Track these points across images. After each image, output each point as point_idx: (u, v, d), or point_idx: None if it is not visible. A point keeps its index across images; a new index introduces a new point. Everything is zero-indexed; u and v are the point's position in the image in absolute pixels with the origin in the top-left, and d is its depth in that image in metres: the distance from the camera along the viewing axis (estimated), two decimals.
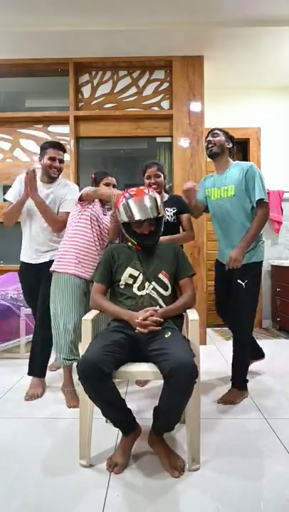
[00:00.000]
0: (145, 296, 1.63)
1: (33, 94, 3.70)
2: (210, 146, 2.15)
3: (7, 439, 1.68)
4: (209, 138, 2.17)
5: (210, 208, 2.25)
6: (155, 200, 1.69)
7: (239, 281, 2.04)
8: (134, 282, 1.67)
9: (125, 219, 1.69)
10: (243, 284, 2.03)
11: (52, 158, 2.29)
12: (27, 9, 2.75)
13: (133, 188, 1.74)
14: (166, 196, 2.41)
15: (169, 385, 1.32)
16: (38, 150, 3.44)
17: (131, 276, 1.68)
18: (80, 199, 2.09)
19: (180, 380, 1.28)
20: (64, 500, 1.27)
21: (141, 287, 1.66)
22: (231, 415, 1.90)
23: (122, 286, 1.68)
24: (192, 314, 1.56)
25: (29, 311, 2.91)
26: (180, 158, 3.32)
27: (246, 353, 2.15)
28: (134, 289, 1.66)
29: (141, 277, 1.67)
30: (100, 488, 1.33)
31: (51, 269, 2.09)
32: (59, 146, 2.33)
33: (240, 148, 4.22)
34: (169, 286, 1.70)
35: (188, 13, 2.80)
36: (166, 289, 1.69)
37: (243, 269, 2.02)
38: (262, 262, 2.12)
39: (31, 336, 2.94)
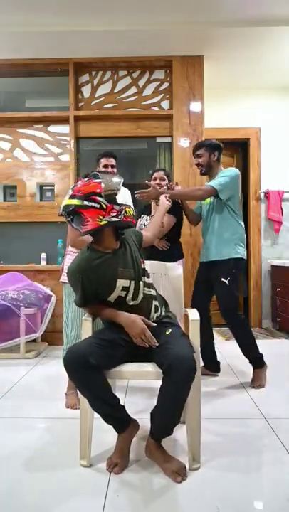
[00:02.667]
0: (140, 302, 1.54)
1: (33, 94, 3.70)
2: (199, 167, 2.40)
3: (7, 439, 1.68)
4: (195, 161, 2.40)
5: (202, 213, 2.49)
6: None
7: (222, 279, 2.22)
8: (127, 294, 1.52)
9: (116, 191, 1.48)
10: (226, 281, 2.21)
11: (105, 166, 2.46)
12: (27, 9, 2.76)
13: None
14: None
15: (168, 379, 1.31)
16: (38, 150, 3.48)
17: (124, 289, 1.51)
18: None
19: (179, 374, 1.28)
20: (64, 500, 1.27)
21: (135, 295, 1.53)
22: (231, 415, 1.90)
23: (113, 300, 1.52)
24: (192, 314, 1.56)
25: (29, 311, 2.93)
26: (180, 158, 3.32)
27: (248, 334, 2.29)
28: (128, 301, 1.53)
29: (132, 284, 1.52)
30: (99, 488, 1.32)
31: (62, 280, 2.13)
32: (110, 154, 2.50)
33: (241, 148, 4.23)
34: (147, 269, 1.64)
35: (188, 13, 2.80)
36: (148, 275, 1.63)
37: (224, 266, 2.24)
38: (242, 259, 2.28)
39: (31, 335, 2.98)
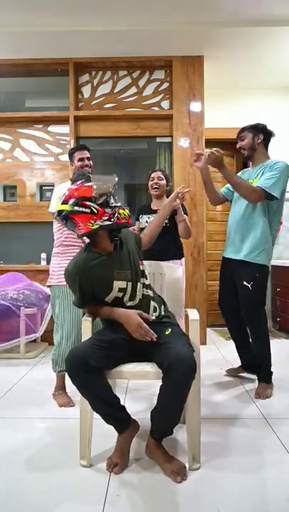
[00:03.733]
0: (138, 303, 1.54)
1: (33, 94, 3.70)
2: (241, 151, 2.21)
3: (7, 439, 1.68)
4: (238, 145, 2.20)
5: (233, 200, 2.29)
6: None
7: (245, 283, 2.07)
8: (124, 295, 1.53)
9: (110, 193, 1.48)
10: (249, 285, 2.06)
11: (81, 159, 2.38)
12: (27, 9, 2.75)
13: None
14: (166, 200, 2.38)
15: (168, 378, 1.31)
16: (38, 150, 3.48)
17: (120, 290, 1.52)
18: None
19: (179, 373, 1.28)
20: (64, 500, 1.27)
21: (132, 296, 1.54)
22: (231, 415, 1.90)
23: (110, 301, 1.54)
24: (193, 314, 1.56)
25: (29, 311, 2.92)
26: (180, 158, 3.32)
27: (266, 348, 2.17)
28: (126, 302, 1.53)
29: (130, 286, 1.53)
30: (99, 488, 1.32)
31: (49, 283, 2.12)
32: (83, 147, 2.43)
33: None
34: (145, 270, 1.63)
35: (188, 13, 2.80)
36: (146, 276, 1.62)
37: (247, 270, 2.07)
38: (266, 267, 2.13)
39: (31, 335, 2.97)
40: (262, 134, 2.17)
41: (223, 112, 3.84)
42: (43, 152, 3.49)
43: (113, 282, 1.50)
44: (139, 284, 1.56)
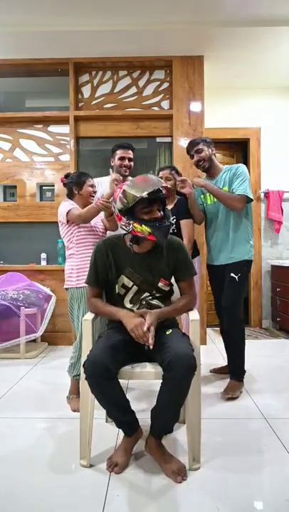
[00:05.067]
0: (138, 308, 1.55)
1: (33, 94, 3.70)
2: (201, 163, 2.26)
3: (7, 439, 1.68)
4: (196, 158, 2.26)
5: (207, 212, 2.36)
6: (157, 177, 1.49)
7: (232, 274, 2.17)
8: (125, 294, 1.56)
9: (127, 205, 1.43)
10: (236, 277, 2.16)
11: (122, 158, 2.38)
12: (27, 9, 2.75)
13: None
14: (176, 198, 2.37)
15: (168, 376, 1.32)
16: (38, 150, 3.48)
17: (124, 286, 1.55)
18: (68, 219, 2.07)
19: (179, 371, 1.29)
20: (64, 500, 1.27)
21: (134, 300, 1.56)
22: (231, 415, 1.90)
23: (116, 294, 1.58)
24: (193, 314, 1.56)
25: (29, 311, 2.93)
26: (180, 158, 3.31)
27: (241, 344, 2.21)
28: (126, 302, 1.56)
29: (134, 289, 1.55)
30: (99, 488, 1.32)
31: (66, 286, 2.11)
32: (128, 146, 2.42)
33: (241, 148, 4.23)
34: (169, 290, 1.62)
35: (188, 13, 2.80)
36: (165, 296, 1.60)
37: (237, 265, 2.18)
38: (252, 261, 2.24)
39: (31, 335, 2.97)
40: (212, 146, 2.28)
41: (223, 112, 3.85)
42: (43, 152, 3.49)
43: (120, 275, 1.54)
44: (146, 293, 1.56)
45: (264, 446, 1.60)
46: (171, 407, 1.37)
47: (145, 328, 1.40)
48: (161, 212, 1.48)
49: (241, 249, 2.20)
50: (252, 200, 2.18)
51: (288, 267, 3.53)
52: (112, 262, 1.55)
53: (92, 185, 2.15)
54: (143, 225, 1.43)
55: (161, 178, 2.29)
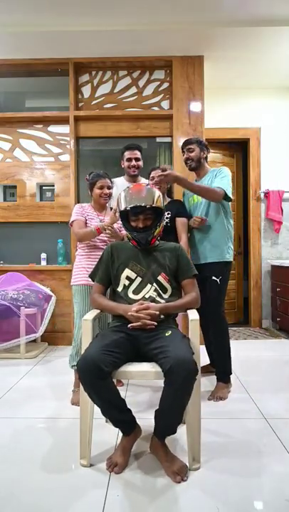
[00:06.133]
0: (140, 300, 1.60)
1: (33, 94, 3.70)
2: (188, 162, 2.33)
3: (7, 439, 1.68)
4: (186, 156, 2.33)
5: (191, 213, 2.39)
6: (152, 192, 1.67)
7: (214, 278, 2.20)
8: (130, 285, 1.65)
9: (121, 208, 1.67)
10: (218, 280, 2.19)
11: (129, 160, 2.47)
12: (27, 9, 2.75)
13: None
14: (167, 200, 2.40)
15: (170, 382, 1.32)
16: (38, 150, 3.48)
17: (128, 278, 1.66)
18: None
19: (180, 377, 1.29)
20: (64, 500, 1.27)
21: (137, 291, 1.64)
22: (231, 415, 1.90)
23: (120, 288, 1.67)
24: (192, 314, 1.56)
25: (29, 311, 2.93)
26: (180, 158, 3.29)
27: (226, 345, 2.21)
28: (130, 293, 1.64)
29: (138, 280, 1.64)
30: (99, 488, 1.32)
31: (72, 283, 2.18)
32: (134, 147, 2.50)
33: (241, 148, 4.23)
34: (169, 288, 1.66)
35: (188, 13, 2.80)
36: (165, 291, 1.65)
37: (216, 267, 2.22)
38: (231, 262, 2.28)
39: (31, 335, 2.98)
40: (206, 149, 2.34)
41: (223, 112, 3.85)
42: (43, 152, 3.49)
43: (125, 269, 1.66)
44: (149, 285, 1.63)
45: (264, 446, 1.60)
46: (174, 409, 1.38)
47: (142, 306, 1.51)
48: (149, 222, 1.66)
49: (220, 249, 2.22)
50: (231, 199, 2.21)
51: (288, 267, 3.53)
52: (116, 259, 1.69)
53: (102, 187, 2.16)
54: (128, 231, 1.69)
55: (153, 178, 2.33)
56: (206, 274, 2.22)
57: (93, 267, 1.80)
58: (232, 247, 2.29)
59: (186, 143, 2.34)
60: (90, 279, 1.82)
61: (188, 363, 1.30)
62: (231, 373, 2.21)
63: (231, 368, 2.21)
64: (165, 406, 1.37)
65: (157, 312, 1.52)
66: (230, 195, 2.18)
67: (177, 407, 1.37)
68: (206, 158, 2.35)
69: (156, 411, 1.43)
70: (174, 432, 1.44)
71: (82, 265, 2.15)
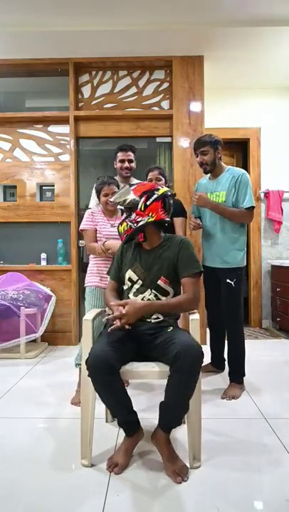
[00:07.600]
0: None
1: (33, 94, 3.70)
2: (203, 165, 2.27)
3: (8, 439, 1.68)
4: (199, 159, 2.25)
5: (201, 213, 2.38)
6: (137, 196, 1.60)
7: (228, 281, 2.19)
8: (131, 287, 1.64)
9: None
10: (232, 282, 2.19)
11: (122, 161, 2.43)
12: (27, 9, 2.75)
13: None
14: None
15: (176, 367, 1.32)
16: (38, 150, 3.48)
17: (130, 280, 1.65)
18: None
19: (188, 362, 1.30)
20: (64, 500, 1.27)
21: (136, 293, 1.62)
22: (231, 415, 1.90)
23: (125, 287, 1.68)
24: (193, 314, 1.57)
25: (29, 311, 2.92)
26: (180, 158, 3.32)
27: (241, 347, 2.22)
28: (131, 295, 1.63)
29: (139, 283, 1.62)
30: (100, 488, 1.32)
31: (85, 284, 2.22)
32: (127, 148, 2.45)
33: (241, 148, 4.23)
34: (171, 291, 1.62)
35: (188, 13, 2.80)
36: (166, 294, 1.61)
37: (231, 271, 2.20)
38: (244, 267, 2.27)
39: (31, 335, 2.98)
40: (220, 146, 2.25)
41: (223, 112, 3.84)
42: (43, 152, 3.48)
43: (128, 270, 1.65)
44: (148, 289, 1.60)
45: (264, 446, 1.60)
46: (180, 398, 1.36)
47: (115, 306, 1.47)
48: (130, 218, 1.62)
49: (236, 256, 2.21)
50: (254, 207, 2.20)
51: (288, 267, 3.53)
52: (124, 259, 1.71)
53: (107, 195, 2.12)
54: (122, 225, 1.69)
55: (152, 179, 2.35)
56: (220, 277, 2.23)
57: (104, 269, 2.01)
58: (245, 255, 2.26)
59: (199, 145, 2.22)
60: (100, 282, 2.05)
61: (195, 349, 1.32)
62: (245, 375, 2.21)
63: (245, 369, 2.22)
64: (171, 394, 1.36)
65: (136, 305, 1.45)
66: (254, 204, 2.17)
67: (183, 394, 1.36)
68: (220, 158, 2.27)
69: (161, 403, 1.42)
70: (179, 423, 1.46)
71: (95, 269, 2.19)
